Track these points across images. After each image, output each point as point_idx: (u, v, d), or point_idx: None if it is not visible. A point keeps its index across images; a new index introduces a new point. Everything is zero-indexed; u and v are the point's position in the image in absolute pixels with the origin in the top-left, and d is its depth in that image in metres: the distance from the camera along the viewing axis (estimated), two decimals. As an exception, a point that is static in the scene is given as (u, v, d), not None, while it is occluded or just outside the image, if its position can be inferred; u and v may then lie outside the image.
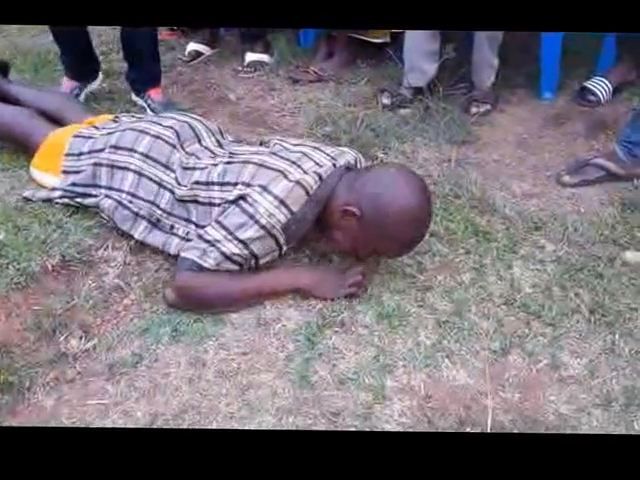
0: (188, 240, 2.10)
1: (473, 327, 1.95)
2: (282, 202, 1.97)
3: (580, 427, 1.68)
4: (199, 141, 2.34)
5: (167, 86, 3.25)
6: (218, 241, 1.96)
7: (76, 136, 2.42)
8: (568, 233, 2.32)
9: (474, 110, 3.11)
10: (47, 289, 2.05)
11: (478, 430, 1.66)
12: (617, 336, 1.92)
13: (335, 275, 2.08)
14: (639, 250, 2.24)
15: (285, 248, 2.07)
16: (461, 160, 2.77)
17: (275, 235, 1.99)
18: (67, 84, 3.11)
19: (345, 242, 2.09)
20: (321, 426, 1.67)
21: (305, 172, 2.04)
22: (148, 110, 3.04)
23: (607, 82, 3.21)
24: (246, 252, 1.98)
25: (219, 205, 2.06)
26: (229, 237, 1.95)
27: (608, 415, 1.71)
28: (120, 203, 2.21)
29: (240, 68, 3.59)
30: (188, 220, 2.14)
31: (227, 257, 1.96)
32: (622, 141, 2.61)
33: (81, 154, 2.36)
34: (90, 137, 2.40)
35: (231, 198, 2.01)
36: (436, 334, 1.93)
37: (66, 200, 2.34)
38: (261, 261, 2.06)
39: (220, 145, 2.37)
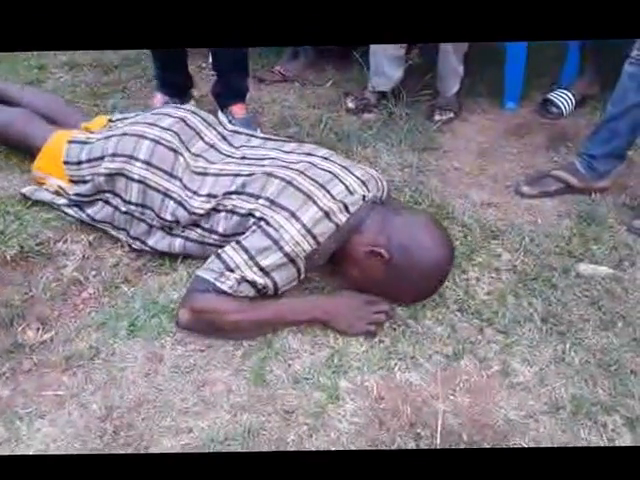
0: (196, 241, 2.09)
1: (427, 332, 1.98)
2: (309, 231, 1.91)
3: (528, 433, 1.72)
4: (201, 138, 2.26)
5: (129, 80, 3.24)
6: (238, 267, 1.89)
7: (71, 142, 2.32)
8: (524, 243, 2.35)
9: (437, 117, 3.15)
10: (5, 280, 2.05)
11: (428, 432, 1.69)
12: (567, 345, 1.96)
13: (358, 306, 1.99)
14: (593, 262, 2.28)
15: (302, 277, 2.00)
16: (422, 167, 2.80)
17: (298, 264, 1.93)
18: (159, 99, 3.03)
19: (361, 280, 2.03)
20: (275, 423, 1.69)
21: (334, 199, 1.97)
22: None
23: (570, 95, 3.26)
24: (266, 280, 1.91)
25: (234, 213, 2.01)
26: (250, 262, 1.88)
27: (555, 422, 1.75)
28: (133, 216, 2.15)
29: (205, 65, 3.60)
30: (199, 226, 2.08)
31: (247, 281, 1.89)
32: (582, 154, 2.65)
33: (80, 162, 2.25)
34: (86, 142, 2.29)
35: (255, 211, 1.96)
36: (391, 337, 1.96)
37: (72, 211, 2.27)
38: (280, 290, 1.97)
39: (224, 138, 2.29)
